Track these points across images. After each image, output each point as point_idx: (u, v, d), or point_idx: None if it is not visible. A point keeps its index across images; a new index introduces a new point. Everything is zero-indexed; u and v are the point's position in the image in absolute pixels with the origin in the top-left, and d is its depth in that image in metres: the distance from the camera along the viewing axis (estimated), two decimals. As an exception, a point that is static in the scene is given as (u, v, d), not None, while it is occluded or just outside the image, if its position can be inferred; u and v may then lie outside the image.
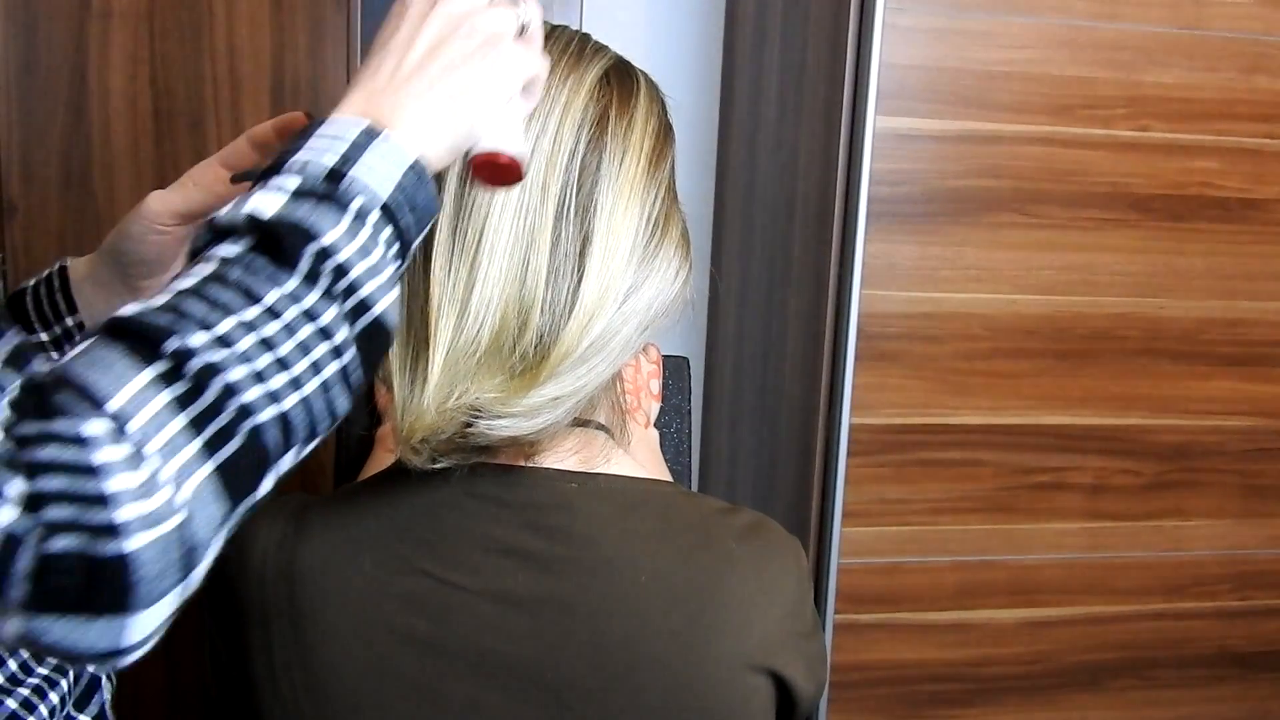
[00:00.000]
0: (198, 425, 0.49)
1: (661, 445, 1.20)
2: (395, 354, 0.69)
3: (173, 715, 2.04)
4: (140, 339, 0.49)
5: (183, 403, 0.48)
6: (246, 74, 1.84)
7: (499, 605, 0.72)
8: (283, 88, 1.85)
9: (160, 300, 0.51)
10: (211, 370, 0.50)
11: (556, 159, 0.69)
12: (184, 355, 0.49)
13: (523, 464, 0.74)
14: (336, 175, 0.56)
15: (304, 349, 0.53)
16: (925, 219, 1.46)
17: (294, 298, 0.53)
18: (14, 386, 0.49)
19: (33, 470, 0.45)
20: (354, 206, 0.55)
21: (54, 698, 0.85)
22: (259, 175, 0.58)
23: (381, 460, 1.07)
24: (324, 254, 0.54)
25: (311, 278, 0.54)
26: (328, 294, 0.54)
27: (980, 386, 1.52)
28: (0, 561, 0.45)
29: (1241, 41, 1.48)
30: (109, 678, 0.93)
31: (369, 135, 0.58)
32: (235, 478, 0.51)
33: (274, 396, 0.52)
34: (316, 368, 0.54)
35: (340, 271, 0.54)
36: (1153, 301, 1.54)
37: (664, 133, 0.76)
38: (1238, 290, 1.56)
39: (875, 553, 1.54)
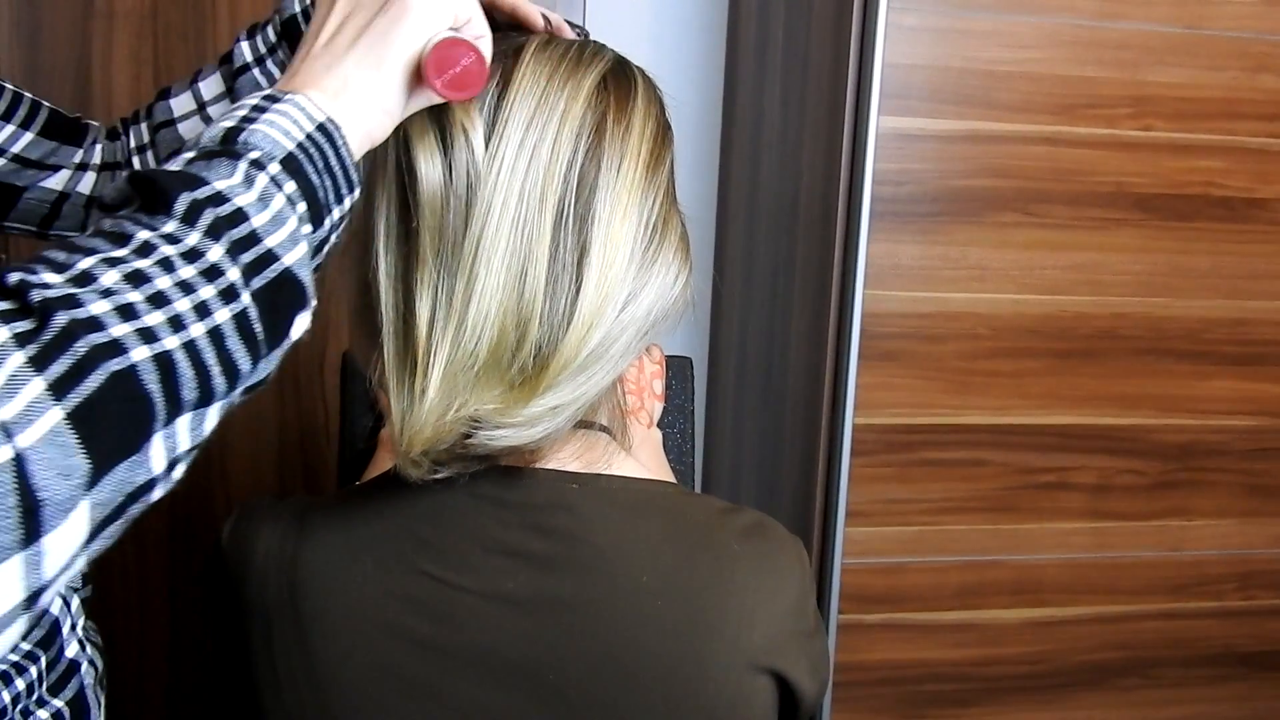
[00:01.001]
0: (37, 363, 0.42)
1: (665, 445, 1.20)
2: (391, 367, 0.69)
3: (175, 716, 2.04)
4: None
5: (21, 340, 0.42)
6: (250, 74, 1.84)
7: (501, 606, 0.72)
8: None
9: None
10: (59, 303, 0.43)
11: (555, 169, 0.68)
12: (25, 289, 0.44)
13: (524, 466, 0.74)
14: (232, 134, 0.54)
15: (185, 288, 0.48)
16: (929, 219, 1.45)
17: (171, 238, 0.49)
18: None
19: None
20: (249, 157, 0.53)
21: (19, 684, 0.83)
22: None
23: (384, 462, 1.07)
24: (213, 200, 0.51)
25: (190, 219, 0.50)
26: (213, 235, 0.50)
27: (984, 386, 1.52)
28: None
29: (1246, 41, 1.48)
30: (91, 661, 0.93)
31: (270, 99, 0.57)
32: (96, 427, 0.43)
33: (147, 334, 0.45)
34: (203, 310, 0.48)
35: (235, 218, 0.51)
36: (1157, 301, 1.54)
37: (661, 134, 0.75)
38: (1242, 290, 1.56)
39: (879, 552, 1.54)
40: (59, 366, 0.42)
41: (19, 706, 0.84)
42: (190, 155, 0.54)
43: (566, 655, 0.71)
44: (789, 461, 1.65)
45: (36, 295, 0.43)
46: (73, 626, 0.93)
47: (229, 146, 0.54)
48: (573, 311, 0.68)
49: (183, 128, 1.00)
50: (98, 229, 0.50)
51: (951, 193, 1.45)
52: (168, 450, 0.47)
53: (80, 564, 0.45)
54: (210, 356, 0.48)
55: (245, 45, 0.96)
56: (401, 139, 0.69)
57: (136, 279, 0.46)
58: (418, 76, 0.63)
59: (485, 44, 0.67)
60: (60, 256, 0.46)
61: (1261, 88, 1.50)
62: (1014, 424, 1.54)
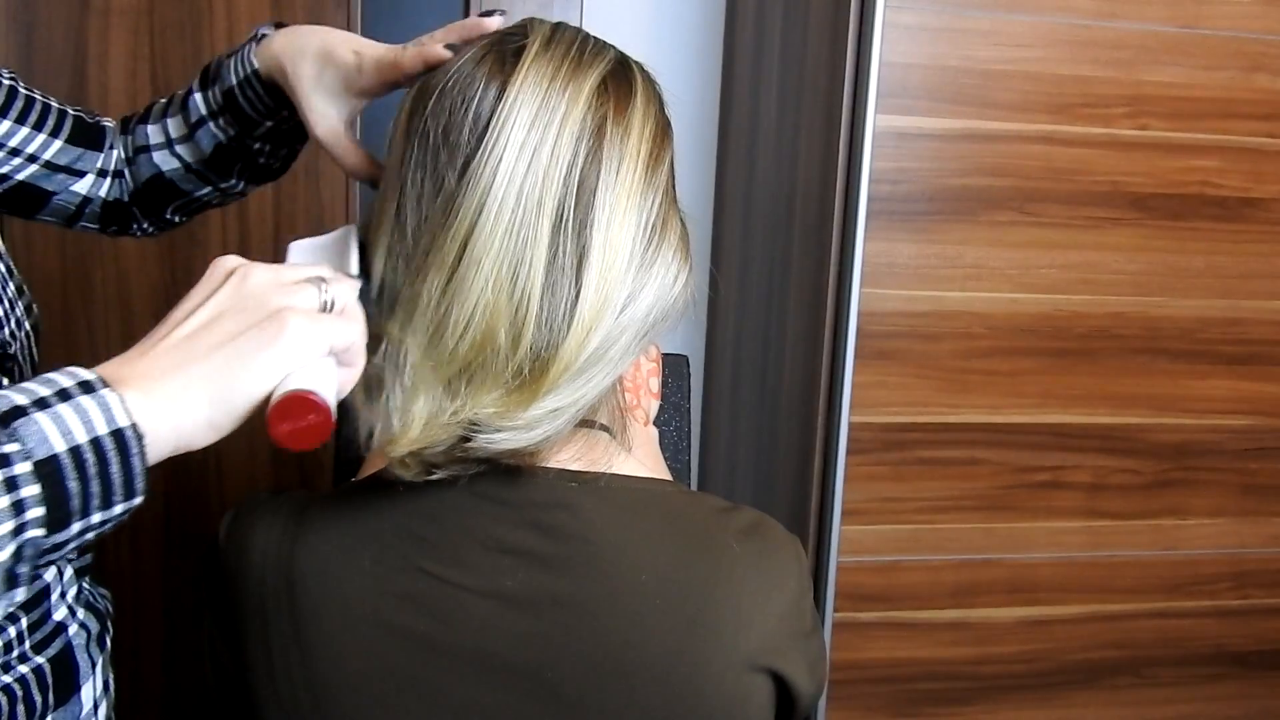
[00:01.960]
0: None
1: (661, 443, 1.20)
2: (375, 367, 0.69)
3: (171, 715, 2.04)
4: None
5: None
6: (246, 71, 1.84)
7: (499, 604, 0.72)
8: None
9: None
10: None
11: (554, 172, 0.68)
12: None
13: (525, 466, 0.74)
14: (12, 415, 0.52)
15: None
16: (925, 217, 1.46)
17: None
18: None
19: None
20: (4, 446, 0.51)
21: None
22: None
23: (380, 459, 1.07)
24: None
25: None
26: None
27: (979, 385, 1.52)
28: None
29: (1242, 40, 1.48)
30: (83, 624, 0.96)
31: (85, 388, 0.54)
32: None
33: None
34: None
35: None
36: (1152, 300, 1.54)
37: (661, 134, 0.75)
38: (1237, 289, 1.56)
39: (874, 551, 1.54)
40: None
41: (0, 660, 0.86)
42: None
43: (564, 654, 0.71)
44: (785, 459, 1.65)
45: None
46: (62, 593, 0.94)
47: (1, 425, 0.52)
48: (572, 315, 0.68)
49: (156, 157, 1.02)
50: None
51: (948, 192, 1.45)
52: None
53: None
54: None
55: (199, 98, 0.98)
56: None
57: None
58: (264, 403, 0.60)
59: (354, 374, 0.64)
60: None
61: (1257, 87, 1.50)
62: (1009, 423, 1.55)
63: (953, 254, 1.47)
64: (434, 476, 0.70)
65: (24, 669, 0.88)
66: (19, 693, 0.87)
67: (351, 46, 0.86)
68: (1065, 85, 1.45)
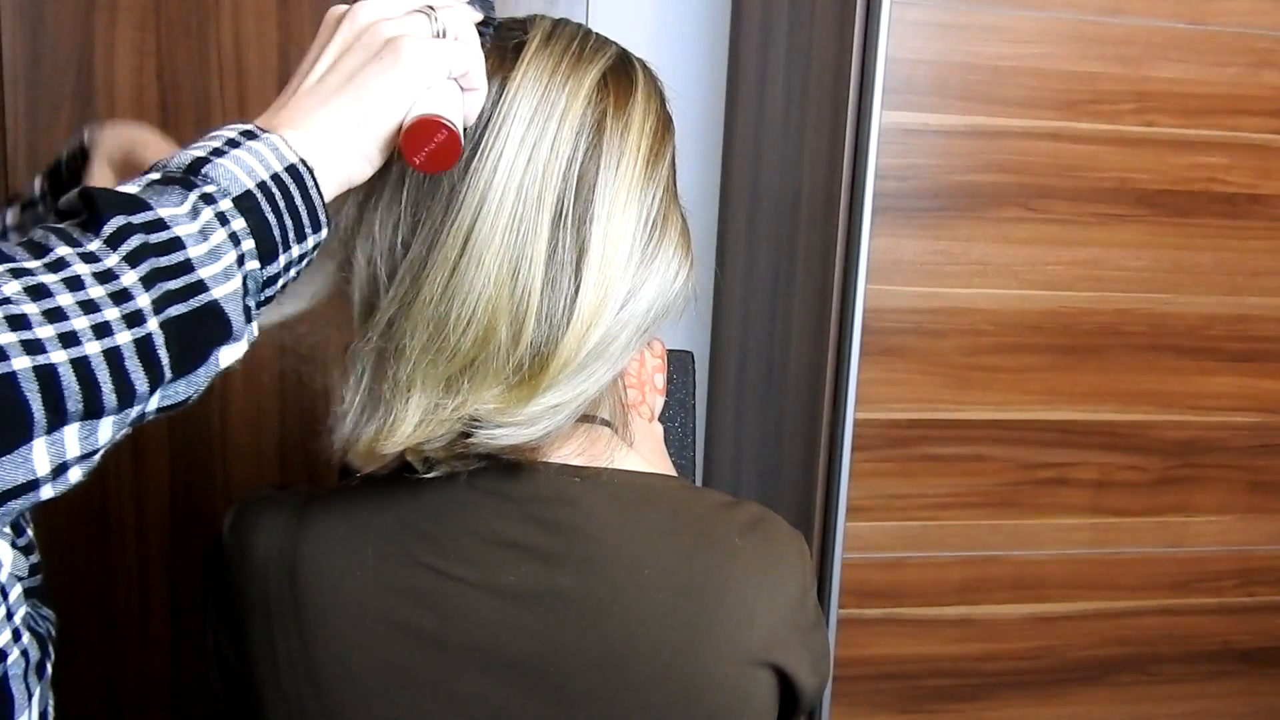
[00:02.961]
0: None
1: (666, 439, 1.20)
2: (369, 356, 0.69)
3: (177, 709, 2.04)
4: None
5: None
6: (252, 66, 1.84)
7: (501, 599, 0.72)
8: (289, 80, 1.85)
9: None
10: None
11: (554, 166, 0.68)
12: None
13: (526, 461, 0.74)
14: (196, 165, 0.56)
15: (88, 307, 0.49)
16: (931, 214, 1.45)
17: (90, 257, 0.51)
18: None
19: None
20: (203, 190, 0.55)
21: None
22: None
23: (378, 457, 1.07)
24: (149, 225, 0.52)
25: (114, 242, 0.51)
26: (131, 261, 0.51)
27: (985, 382, 1.52)
28: None
29: (1249, 37, 1.48)
30: (25, 652, 0.93)
31: (247, 135, 0.58)
32: None
33: (33, 346, 0.47)
34: (103, 330, 0.50)
35: (168, 246, 0.52)
36: (1159, 297, 1.54)
37: (661, 129, 0.74)
38: (1244, 286, 1.56)
39: (879, 547, 1.54)
40: None
41: None
42: (152, 178, 0.56)
43: (566, 649, 0.71)
44: (790, 456, 1.65)
45: None
46: (8, 614, 0.92)
47: (188, 176, 0.55)
48: (572, 310, 0.68)
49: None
50: (26, 238, 0.52)
51: (954, 188, 1.45)
52: (52, 456, 0.48)
53: None
54: (103, 374, 0.49)
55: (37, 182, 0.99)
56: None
57: (37, 292, 0.48)
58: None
59: (478, 97, 0.67)
60: None
61: (1265, 84, 1.50)
62: (1015, 419, 1.54)
63: (959, 250, 1.47)
64: (434, 473, 0.70)
65: None
66: None
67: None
68: (1072, 81, 1.45)
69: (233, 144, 0.57)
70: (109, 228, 0.52)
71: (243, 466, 1.98)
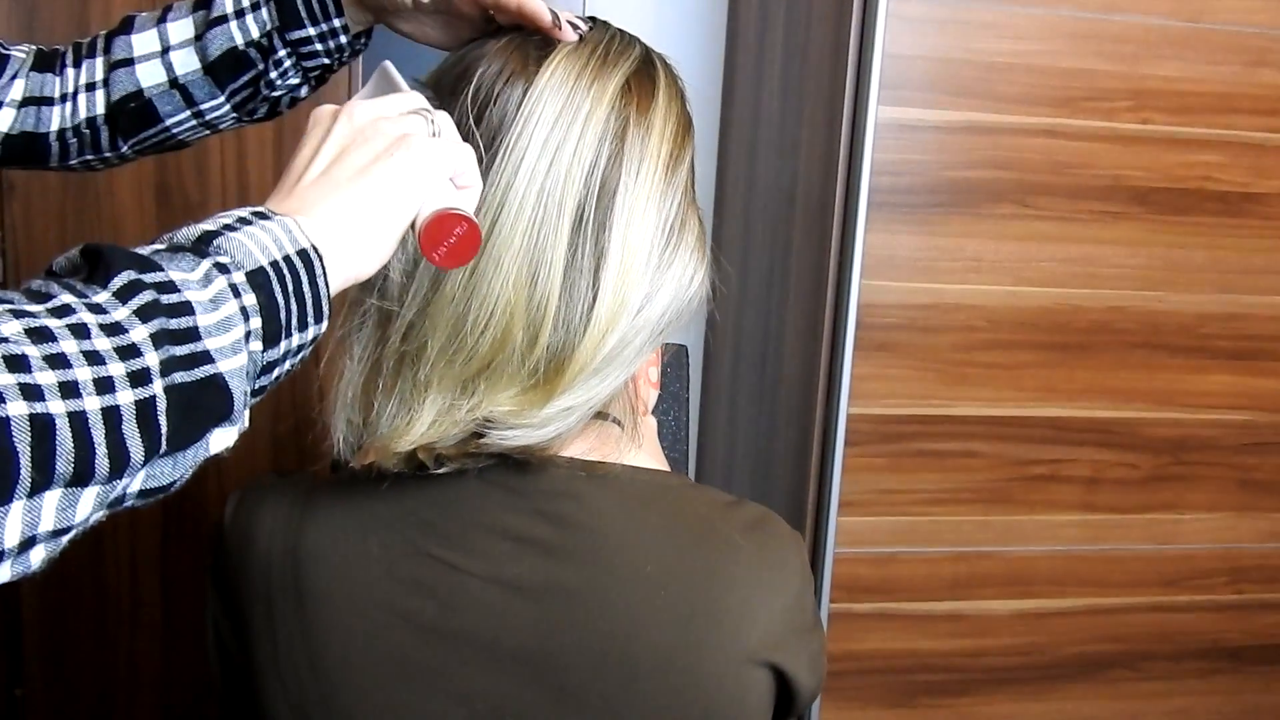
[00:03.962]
0: None
1: (659, 433, 1.20)
2: (391, 357, 0.68)
3: (169, 699, 2.04)
4: None
5: None
6: (248, 56, 1.83)
7: (505, 591, 0.72)
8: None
9: None
10: None
11: (576, 172, 0.67)
12: None
13: (536, 457, 0.74)
14: (207, 237, 0.52)
15: (93, 358, 0.45)
16: (926, 210, 1.45)
17: (96, 308, 0.47)
18: None
19: None
20: (216, 259, 0.51)
21: None
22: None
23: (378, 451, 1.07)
24: (161, 286, 0.49)
25: (124, 295, 0.48)
26: (142, 316, 0.48)
27: (978, 378, 1.52)
28: None
29: (1244, 35, 1.48)
30: None
31: (259, 215, 0.55)
32: None
33: (31, 391, 0.43)
34: (105, 385, 0.45)
35: (178, 309, 0.49)
36: (1152, 295, 1.55)
37: (683, 132, 0.74)
38: (1237, 284, 1.56)
39: (871, 542, 1.55)
40: None
41: None
42: (157, 246, 0.52)
43: (568, 642, 0.71)
44: (783, 450, 1.65)
45: None
46: None
47: (199, 245, 0.52)
48: (589, 317, 0.68)
49: (141, 70, 0.94)
50: (25, 286, 0.48)
51: (949, 184, 1.45)
52: (25, 526, 0.43)
53: None
54: (99, 434, 0.45)
55: None
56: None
57: (39, 335, 0.44)
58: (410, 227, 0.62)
59: (474, 195, 0.65)
60: None
61: (1260, 82, 1.50)
62: (1008, 416, 1.55)
63: (953, 247, 1.47)
64: (444, 469, 0.70)
65: None
66: None
67: None
68: (1068, 78, 1.45)
69: (244, 221, 0.54)
70: (118, 280, 0.48)
71: (236, 455, 1.98)
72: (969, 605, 1.60)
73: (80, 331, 0.46)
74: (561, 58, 0.70)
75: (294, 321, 0.55)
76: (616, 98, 0.70)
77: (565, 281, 0.67)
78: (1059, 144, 1.47)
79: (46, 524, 0.44)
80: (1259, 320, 1.58)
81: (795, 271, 1.62)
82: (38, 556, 0.45)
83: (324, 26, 0.92)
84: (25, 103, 0.96)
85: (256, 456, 1.99)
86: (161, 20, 0.94)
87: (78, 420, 0.44)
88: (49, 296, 0.47)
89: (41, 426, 0.42)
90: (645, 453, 0.82)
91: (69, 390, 0.44)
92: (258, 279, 0.52)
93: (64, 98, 0.96)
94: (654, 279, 0.70)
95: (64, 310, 0.46)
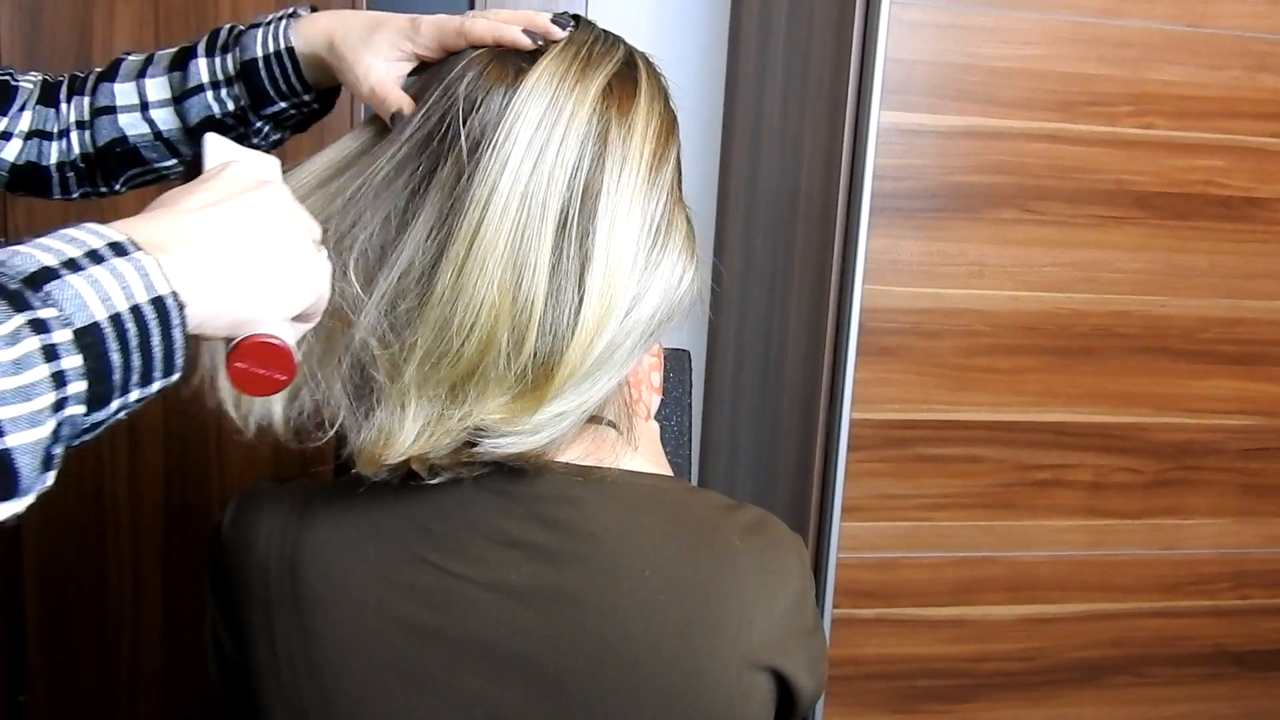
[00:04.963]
0: None
1: (662, 438, 1.20)
2: (373, 362, 0.68)
3: (170, 704, 2.04)
4: None
5: None
6: (250, 61, 1.84)
7: (503, 597, 0.72)
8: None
9: None
10: None
11: (559, 175, 0.67)
12: None
13: (532, 463, 0.74)
14: (41, 276, 0.46)
15: None
16: (928, 214, 1.45)
17: None
18: None
19: None
20: (36, 314, 0.44)
21: None
22: None
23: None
24: None
25: None
26: None
27: (981, 383, 1.52)
28: None
29: (1247, 40, 1.48)
30: None
31: (116, 250, 0.48)
32: None
33: None
34: None
35: None
36: (1154, 299, 1.54)
37: (666, 132, 0.74)
38: (1239, 289, 1.56)
39: (874, 548, 1.54)
40: None
41: None
42: None
43: (566, 647, 0.71)
44: (786, 455, 1.65)
45: None
46: None
47: (23, 290, 0.45)
48: (576, 321, 0.68)
49: (123, 120, 0.94)
50: None
51: (951, 189, 1.45)
52: None
53: None
54: None
55: (203, 63, 0.93)
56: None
57: None
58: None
59: (307, 328, 0.60)
60: None
61: (1262, 86, 1.50)
62: (1010, 421, 1.55)
63: (955, 251, 1.47)
64: (439, 479, 0.70)
65: None
66: None
67: (403, 16, 0.85)
68: (1070, 83, 1.45)
69: (94, 258, 0.47)
70: None
71: (237, 459, 1.98)
72: (972, 610, 1.60)
73: None
74: (545, 60, 0.69)
75: (134, 378, 0.49)
76: (598, 100, 0.70)
77: (551, 285, 0.67)
78: (1061, 149, 1.47)
79: None
80: (1261, 325, 1.58)
81: (797, 276, 1.62)
82: None
83: (293, 100, 0.93)
84: (30, 135, 0.96)
85: (259, 463, 1.99)
86: (141, 75, 0.95)
87: None
88: None
89: None
90: (643, 456, 0.82)
91: None
92: (87, 337, 0.46)
93: (60, 134, 0.97)
94: (641, 280, 0.70)
95: None
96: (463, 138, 0.68)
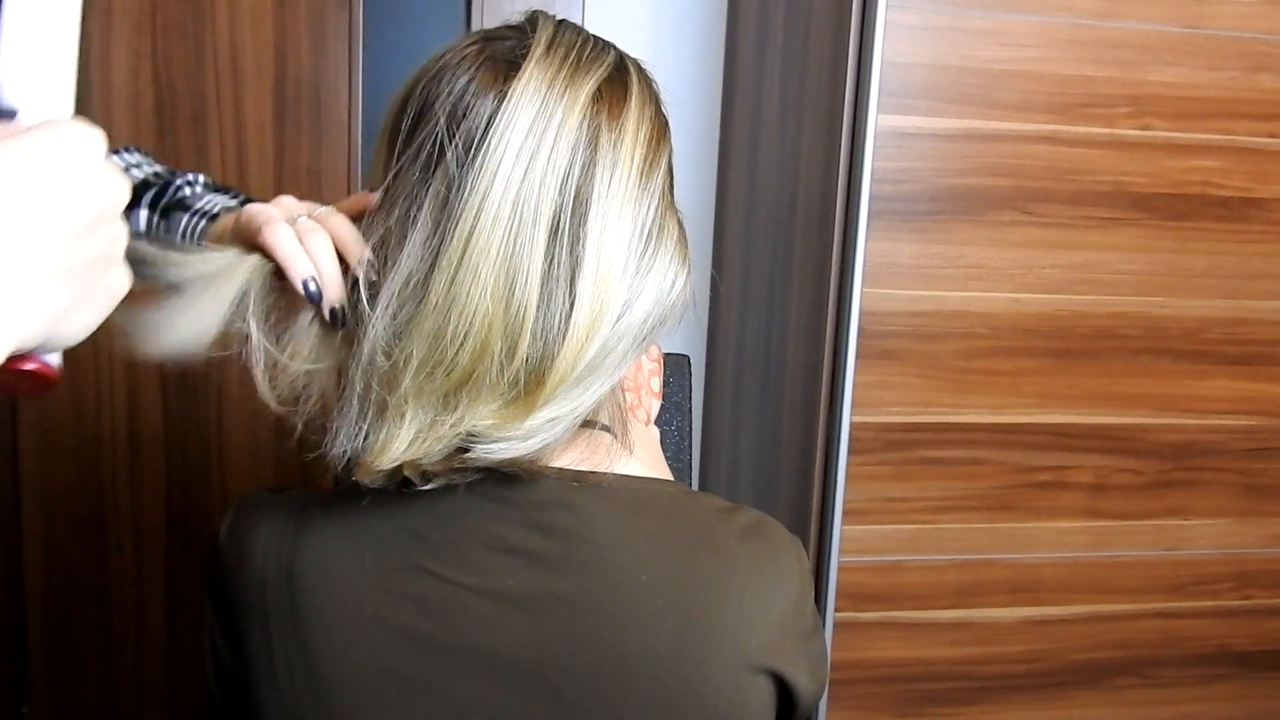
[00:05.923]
0: None
1: (662, 443, 1.20)
2: (360, 371, 0.68)
3: (173, 708, 2.04)
4: None
5: None
6: (248, 70, 1.84)
7: (500, 603, 0.72)
8: (284, 84, 1.85)
9: None
10: None
11: (550, 181, 0.67)
12: None
13: (526, 469, 0.74)
14: None
15: None
16: (927, 217, 1.45)
17: None
18: None
19: None
20: None
21: None
22: None
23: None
24: None
25: None
26: None
27: (981, 385, 1.52)
28: None
29: (1244, 40, 1.48)
30: None
31: None
32: None
33: None
34: None
35: None
36: (1154, 300, 1.54)
37: (657, 136, 0.74)
38: (1239, 289, 1.56)
39: (875, 551, 1.54)
40: None
41: None
42: None
43: (565, 653, 0.71)
44: (786, 459, 1.65)
45: None
46: None
47: None
48: (567, 326, 0.68)
49: None
50: None
51: (950, 191, 1.45)
52: None
53: None
54: None
55: (144, 214, 0.98)
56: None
57: None
58: None
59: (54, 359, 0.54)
60: None
61: (1260, 87, 1.50)
62: (1011, 423, 1.54)
63: (954, 254, 1.47)
64: (431, 485, 0.70)
65: None
66: None
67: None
68: (1067, 85, 1.45)
69: None
70: None
71: (239, 467, 1.98)
72: (974, 613, 1.60)
73: None
74: (534, 66, 0.69)
75: None
76: (588, 105, 0.69)
77: (543, 291, 0.67)
78: (1059, 150, 1.47)
79: None
80: (1262, 325, 1.58)
81: (796, 280, 1.62)
82: None
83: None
84: None
85: (260, 472, 1.99)
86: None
87: None
88: None
89: None
90: (641, 460, 0.82)
91: None
92: None
93: None
94: (633, 285, 0.70)
95: None
96: (453, 146, 0.68)
